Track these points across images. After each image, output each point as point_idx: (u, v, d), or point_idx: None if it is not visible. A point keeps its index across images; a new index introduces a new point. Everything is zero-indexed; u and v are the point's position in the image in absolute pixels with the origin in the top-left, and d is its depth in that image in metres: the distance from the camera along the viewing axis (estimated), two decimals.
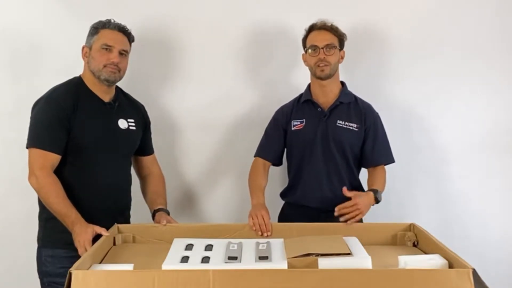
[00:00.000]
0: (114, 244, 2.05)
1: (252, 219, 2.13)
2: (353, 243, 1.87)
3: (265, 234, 2.10)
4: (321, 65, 2.33)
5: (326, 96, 2.42)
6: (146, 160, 2.42)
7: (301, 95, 2.50)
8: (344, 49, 2.44)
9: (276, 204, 2.54)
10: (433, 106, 2.83)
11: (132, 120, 2.30)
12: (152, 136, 2.47)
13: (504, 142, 2.84)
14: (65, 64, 2.60)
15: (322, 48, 2.33)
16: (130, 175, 2.36)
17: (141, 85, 2.71)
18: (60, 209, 2.04)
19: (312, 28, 2.40)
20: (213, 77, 2.80)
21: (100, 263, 1.80)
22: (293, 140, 2.45)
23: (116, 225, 2.10)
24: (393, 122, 2.67)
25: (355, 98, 2.46)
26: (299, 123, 2.44)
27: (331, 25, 2.37)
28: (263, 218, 2.13)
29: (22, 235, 2.63)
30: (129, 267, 1.64)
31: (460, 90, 2.82)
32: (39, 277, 2.19)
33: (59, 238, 2.10)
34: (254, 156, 2.50)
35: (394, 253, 1.87)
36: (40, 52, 2.73)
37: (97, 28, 2.20)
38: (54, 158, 2.09)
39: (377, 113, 2.47)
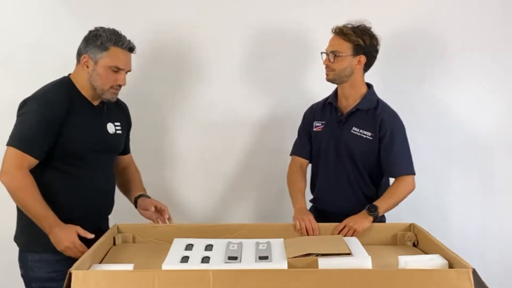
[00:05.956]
0: (114, 244, 2.06)
1: (299, 223, 2.14)
2: (353, 243, 1.87)
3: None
4: (326, 70, 2.33)
5: (347, 101, 2.37)
6: (124, 158, 2.40)
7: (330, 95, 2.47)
8: None
9: None
10: (433, 106, 2.83)
11: (119, 124, 2.26)
12: (154, 136, 2.45)
13: (504, 142, 2.84)
14: (65, 64, 2.58)
15: (328, 54, 2.32)
16: (114, 178, 2.32)
17: (144, 85, 2.71)
18: (38, 211, 1.98)
19: (331, 31, 2.35)
20: (215, 77, 2.80)
21: (100, 263, 1.81)
22: (313, 140, 2.45)
23: (116, 225, 2.10)
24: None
25: (378, 104, 2.35)
26: (320, 124, 2.43)
27: (346, 30, 2.29)
28: (310, 222, 2.14)
29: None
30: (129, 267, 1.64)
31: (460, 90, 2.82)
32: (25, 282, 2.11)
33: (45, 242, 2.00)
34: (290, 155, 2.50)
35: (394, 253, 1.87)
36: (40, 52, 2.73)
37: (108, 44, 2.07)
38: (31, 162, 2.00)
39: (399, 122, 2.35)
